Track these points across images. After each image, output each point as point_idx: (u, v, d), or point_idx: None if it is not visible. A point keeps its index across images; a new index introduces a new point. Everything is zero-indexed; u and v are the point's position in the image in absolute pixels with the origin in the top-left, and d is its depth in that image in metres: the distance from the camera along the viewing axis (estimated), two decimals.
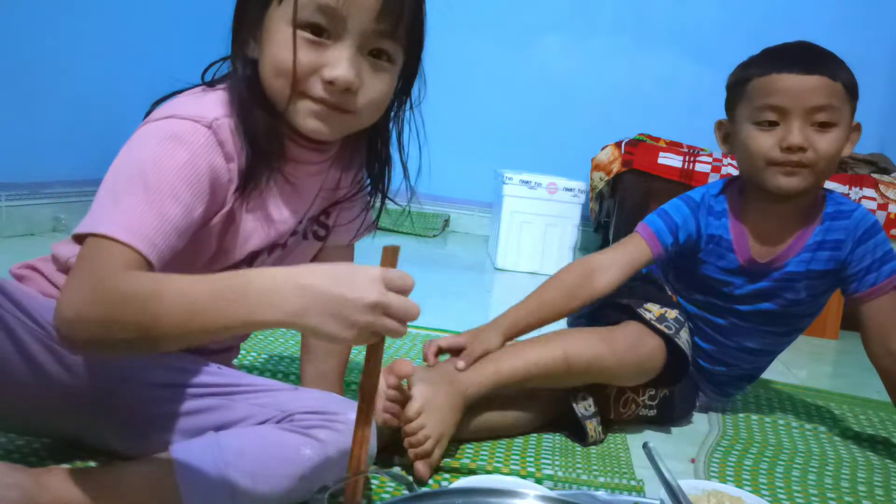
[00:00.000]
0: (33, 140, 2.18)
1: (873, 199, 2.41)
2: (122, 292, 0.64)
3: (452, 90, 3.30)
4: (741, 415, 1.42)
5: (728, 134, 1.30)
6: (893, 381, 1.25)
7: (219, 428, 0.80)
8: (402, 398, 0.97)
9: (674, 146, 2.82)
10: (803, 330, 1.37)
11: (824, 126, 1.19)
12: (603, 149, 2.96)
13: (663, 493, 0.78)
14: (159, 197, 0.70)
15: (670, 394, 1.27)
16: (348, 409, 0.79)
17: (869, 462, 1.25)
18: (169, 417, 0.82)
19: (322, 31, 0.76)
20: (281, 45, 0.77)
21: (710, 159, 2.61)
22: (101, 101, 2.41)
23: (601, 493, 0.89)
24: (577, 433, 1.17)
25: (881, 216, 2.37)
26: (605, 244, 2.79)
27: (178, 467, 0.73)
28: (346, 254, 1.04)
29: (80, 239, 0.69)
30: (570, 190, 2.73)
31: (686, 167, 2.61)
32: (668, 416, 1.29)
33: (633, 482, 1.02)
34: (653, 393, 1.24)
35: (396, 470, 0.96)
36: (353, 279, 0.64)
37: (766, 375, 1.45)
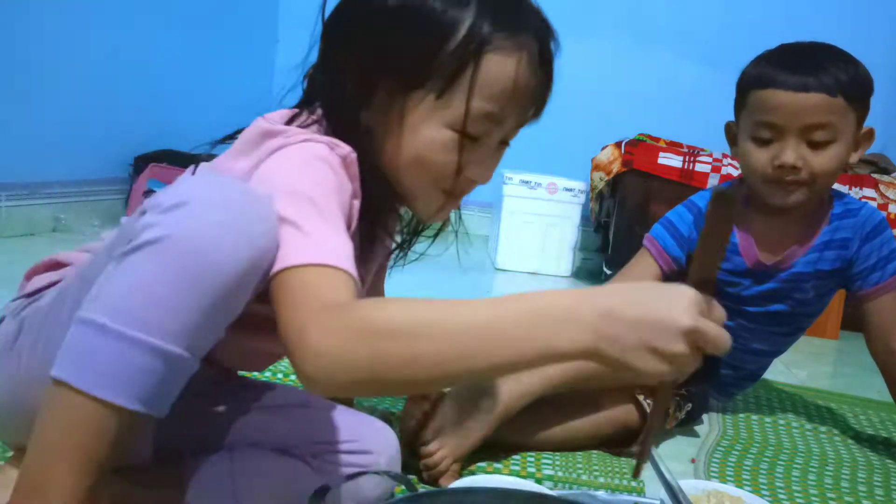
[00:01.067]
0: (33, 140, 2.18)
1: (873, 199, 2.41)
2: (387, 325, 0.55)
3: None
4: (741, 415, 1.42)
5: (735, 136, 1.28)
6: (891, 377, 1.26)
7: (243, 439, 0.78)
8: (429, 412, 0.98)
9: (674, 146, 2.82)
10: (805, 329, 1.38)
11: (821, 144, 1.17)
12: (603, 149, 2.95)
13: (663, 494, 0.78)
14: (333, 219, 0.64)
15: (695, 396, 1.27)
16: (384, 446, 0.78)
17: (869, 462, 1.25)
18: (197, 425, 0.79)
19: (477, 137, 0.75)
20: (435, 146, 0.74)
21: (710, 159, 2.61)
22: (101, 101, 2.40)
23: (601, 494, 0.89)
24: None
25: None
26: (605, 244, 2.78)
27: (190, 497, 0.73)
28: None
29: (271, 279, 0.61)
30: (570, 190, 2.73)
31: (686, 167, 2.61)
32: (691, 418, 1.30)
33: (633, 482, 1.02)
34: (684, 394, 1.24)
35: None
36: (663, 301, 0.54)
37: (766, 375, 1.45)
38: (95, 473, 0.59)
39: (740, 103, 1.25)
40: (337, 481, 0.71)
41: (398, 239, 0.89)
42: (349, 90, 0.74)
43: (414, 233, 0.89)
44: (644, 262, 1.31)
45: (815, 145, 1.17)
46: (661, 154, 2.68)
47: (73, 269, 0.72)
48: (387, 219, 0.83)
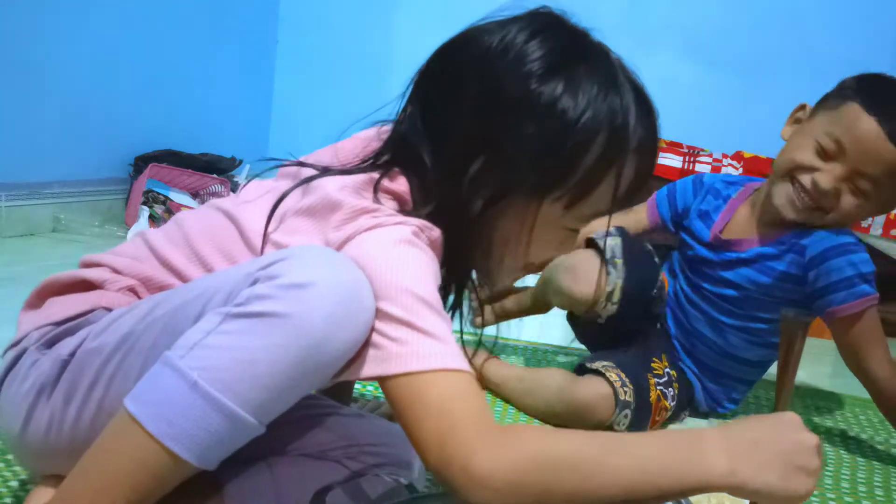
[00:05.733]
0: (33, 140, 2.18)
1: None
2: (558, 459, 0.57)
3: None
4: (741, 415, 1.41)
5: (800, 120, 1.26)
6: (873, 396, 1.26)
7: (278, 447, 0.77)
8: None
9: (674, 146, 2.82)
10: (754, 335, 1.33)
11: (861, 192, 1.16)
12: None
13: None
14: (440, 310, 0.63)
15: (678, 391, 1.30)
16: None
17: (869, 462, 1.25)
18: None
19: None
20: (551, 245, 0.75)
21: (710, 160, 2.61)
22: (101, 101, 2.40)
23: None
24: None
25: (881, 217, 2.37)
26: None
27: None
28: None
29: (387, 380, 0.60)
30: None
31: (686, 167, 2.61)
32: (682, 406, 1.34)
33: None
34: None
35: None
36: (783, 425, 0.60)
37: (765, 375, 1.45)
38: None
39: (833, 102, 1.20)
40: (338, 482, 0.71)
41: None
42: (468, 185, 0.68)
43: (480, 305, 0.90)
44: (639, 214, 1.44)
45: (855, 190, 1.17)
46: (661, 154, 2.68)
47: (138, 311, 0.66)
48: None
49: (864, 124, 1.14)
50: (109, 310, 0.70)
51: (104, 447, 0.59)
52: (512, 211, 0.70)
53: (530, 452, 0.57)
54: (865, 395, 1.63)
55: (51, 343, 0.69)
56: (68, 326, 0.69)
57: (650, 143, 0.72)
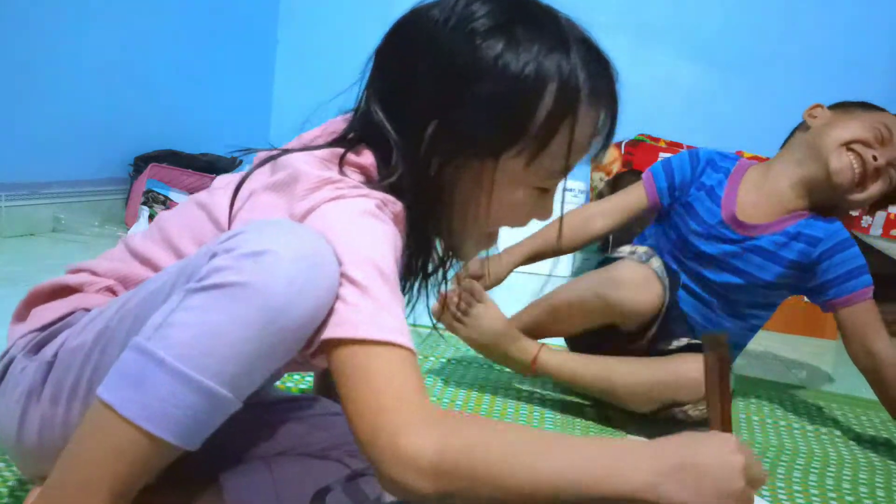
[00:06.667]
0: (33, 140, 2.18)
1: None
2: (485, 457, 0.56)
3: None
4: (742, 415, 1.41)
5: (814, 118, 1.36)
6: (875, 377, 1.31)
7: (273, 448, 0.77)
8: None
9: (674, 146, 2.82)
10: (750, 326, 1.42)
11: (887, 180, 1.31)
12: None
13: None
14: (395, 286, 0.63)
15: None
16: None
17: (870, 463, 1.25)
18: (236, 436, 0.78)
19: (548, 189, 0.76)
20: (516, 206, 0.74)
21: None
22: (101, 101, 2.40)
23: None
24: None
25: (881, 217, 2.37)
26: (605, 244, 2.78)
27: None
28: None
29: (330, 344, 0.60)
30: (571, 190, 2.73)
31: None
32: None
33: None
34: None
35: None
36: (712, 446, 0.59)
37: (765, 376, 1.45)
38: (123, 499, 0.59)
39: (866, 107, 1.35)
40: (338, 482, 0.71)
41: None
42: (429, 149, 0.69)
43: (444, 276, 0.87)
44: (637, 192, 1.42)
45: (887, 178, 1.31)
46: (661, 154, 2.68)
47: (113, 306, 0.68)
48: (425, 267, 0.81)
49: None
50: (89, 310, 0.71)
51: (81, 440, 0.59)
52: (469, 173, 0.71)
53: (462, 441, 0.57)
54: (866, 395, 1.64)
55: (36, 348, 0.70)
56: (51, 331, 0.70)
57: (605, 92, 0.72)
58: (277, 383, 1.21)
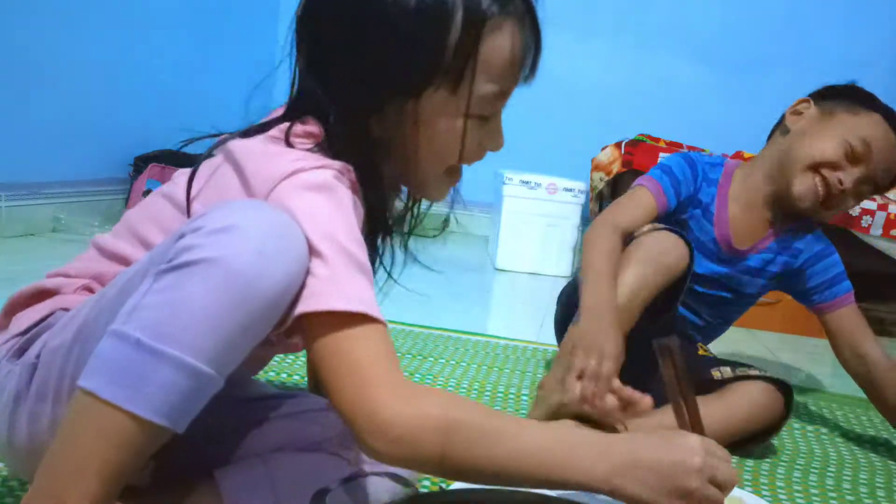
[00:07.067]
0: (33, 140, 2.18)
1: (873, 199, 2.41)
2: (462, 432, 0.60)
3: None
4: None
5: (800, 114, 1.31)
6: (866, 379, 1.32)
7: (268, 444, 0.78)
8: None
9: (674, 146, 2.82)
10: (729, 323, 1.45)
11: (859, 196, 1.28)
12: (603, 149, 2.96)
13: None
14: (362, 255, 0.64)
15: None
16: None
17: (871, 463, 1.25)
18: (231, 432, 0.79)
19: (490, 115, 0.75)
20: (453, 137, 0.74)
21: None
22: (101, 101, 2.40)
23: (602, 495, 0.88)
24: None
25: (881, 217, 2.37)
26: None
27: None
28: None
29: (305, 319, 0.61)
30: (570, 190, 2.73)
31: None
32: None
33: None
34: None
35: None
36: (673, 446, 0.64)
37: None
38: (114, 485, 0.59)
39: (852, 106, 1.27)
40: (337, 482, 0.71)
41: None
42: (355, 104, 0.71)
43: (409, 233, 0.88)
44: (645, 200, 1.31)
45: (858, 193, 1.28)
46: (661, 154, 2.68)
47: (89, 302, 0.68)
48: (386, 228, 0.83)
49: (892, 137, 1.25)
50: (69, 310, 0.71)
51: (66, 431, 0.59)
52: (403, 116, 0.72)
53: (436, 412, 0.60)
54: (865, 396, 1.64)
55: (20, 352, 0.70)
56: (32, 333, 0.71)
57: (517, 10, 0.72)
58: (271, 380, 1.21)
